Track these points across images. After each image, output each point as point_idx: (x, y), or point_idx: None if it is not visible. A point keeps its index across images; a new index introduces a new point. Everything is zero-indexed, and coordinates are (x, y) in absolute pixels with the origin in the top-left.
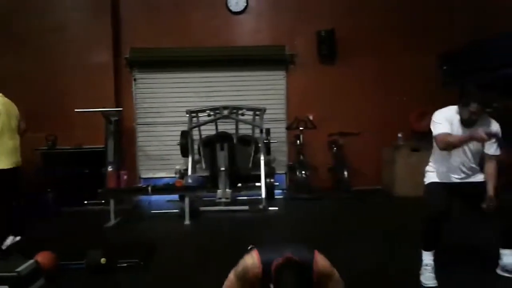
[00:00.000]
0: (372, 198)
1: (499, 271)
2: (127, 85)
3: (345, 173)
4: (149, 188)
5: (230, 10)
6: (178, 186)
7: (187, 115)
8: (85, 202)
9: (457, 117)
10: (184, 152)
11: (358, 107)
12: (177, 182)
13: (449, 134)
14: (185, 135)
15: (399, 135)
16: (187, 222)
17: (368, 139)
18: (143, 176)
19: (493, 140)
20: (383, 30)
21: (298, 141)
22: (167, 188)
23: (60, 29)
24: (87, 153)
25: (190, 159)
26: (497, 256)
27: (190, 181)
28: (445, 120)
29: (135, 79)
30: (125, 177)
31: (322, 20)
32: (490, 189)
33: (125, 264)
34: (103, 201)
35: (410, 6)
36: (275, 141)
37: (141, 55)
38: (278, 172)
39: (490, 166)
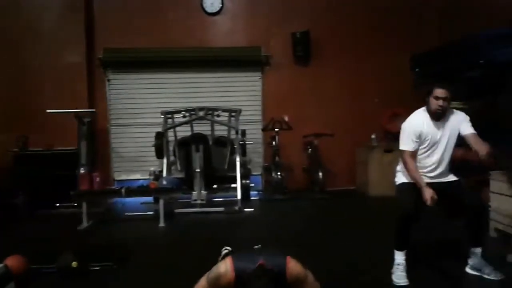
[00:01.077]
0: (346, 199)
1: (468, 270)
2: (100, 86)
3: (320, 173)
4: (123, 190)
5: (205, 11)
6: (152, 188)
7: (162, 116)
8: (57, 204)
9: (427, 118)
10: (159, 154)
11: (332, 108)
12: (151, 184)
13: (412, 160)
14: (160, 137)
15: (373, 136)
16: (161, 224)
17: (343, 140)
18: (117, 178)
19: (464, 124)
20: (357, 32)
21: (273, 142)
22: (141, 190)
23: (32, 28)
24: (60, 154)
25: (165, 160)
26: (467, 255)
27: (164, 182)
28: (413, 133)
29: (108, 80)
30: (98, 179)
31: (297, 22)
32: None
33: (97, 268)
34: (75, 204)
35: (384, 9)
36: (251, 142)
37: (115, 55)
38: (254, 173)
39: (475, 139)
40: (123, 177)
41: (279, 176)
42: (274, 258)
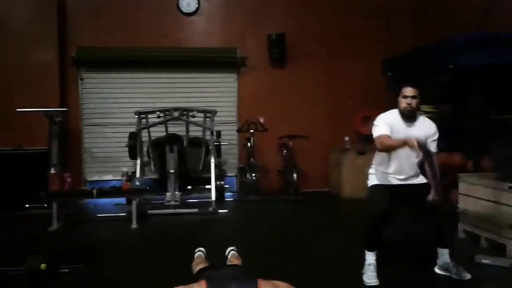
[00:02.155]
0: (319, 200)
1: (437, 270)
2: (73, 85)
3: (294, 175)
4: (95, 191)
5: (181, 11)
6: (125, 189)
7: (136, 117)
8: (27, 206)
9: (398, 117)
10: (132, 154)
11: (307, 110)
12: (124, 185)
13: (387, 137)
14: (134, 137)
15: (346, 138)
16: (134, 225)
17: (317, 142)
18: (89, 178)
19: (430, 135)
20: (332, 36)
21: (248, 144)
22: (113, 191)
23: (2, 24)
24: (30, 154)
25: (138, 161)
26: (435, 255)
27: (137, 183)
28: (385, 123)
29: (81, 79)
30: (69, 179)
31: (273, 24)
32: (434, 184)
33: (67, 270)
34: (46, 205)
35: (357, 13)
36: (226, 143)
37: (88, 54)
38: (228, 174)
39: (431, 163)
40: (96, 178)
41: (253, 178)
42: (246, 284)
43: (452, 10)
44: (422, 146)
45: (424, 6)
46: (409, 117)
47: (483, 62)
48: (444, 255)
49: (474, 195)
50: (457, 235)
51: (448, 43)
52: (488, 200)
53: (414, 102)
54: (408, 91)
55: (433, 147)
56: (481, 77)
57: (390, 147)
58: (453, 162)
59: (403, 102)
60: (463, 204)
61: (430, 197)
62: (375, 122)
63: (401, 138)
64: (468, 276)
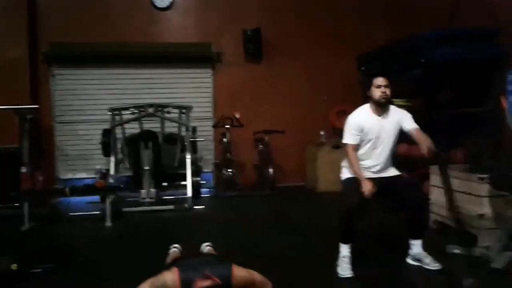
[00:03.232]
0: (296, 195)
1: (409, 260)
2: (44, 82)
3: (270, 170)
4: (67, 190)
5: (155, 6)
6: (98, 187)
7: (110, 113)
8: None
9: (370, 112)
10: (106, 152)
11: (283, 105)
12: (97, 183)
13: (352, 153)
14: (107, 134)
15: (321, 132)
16: (108, 224)
17: (293, 137)
18: (62, 177)
19: (404, 120)
20: (306, 31)
21: (224, 139)
22: (87, 189)
23: None
24: (0, 153)
25: (112, 158)
26: (408, 246)
27: (111, 181)
28: (355, 127)
29: (53, 75)
30: (41, 178)
31: (248, 19)
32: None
33: (39, 270)
34: (17, 204)
35: (333, 8)
36: (202, 139)
37: (60, 50)
38: (205, 170)
39: (418, 134)
40: (69, 176)
41: (230, 173)
42: (219, 268)
43: (425, 5)
44: (371, 195)
45: (398, 2)
46: (384, 107)
47: (454, 57)
48: (416, 246)
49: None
50: (429, 226)
51: (419, 38)
52: (459, 191)
53: (387, 91)
54: (380, 80)
55: (411, 125)
56: (452, 72)
57: (351, 168)
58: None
59: (378, 92)
60: (434, 195)
61: (425, 149)
62: (347, 121)
63: (362, 182)
64: (439, 266)
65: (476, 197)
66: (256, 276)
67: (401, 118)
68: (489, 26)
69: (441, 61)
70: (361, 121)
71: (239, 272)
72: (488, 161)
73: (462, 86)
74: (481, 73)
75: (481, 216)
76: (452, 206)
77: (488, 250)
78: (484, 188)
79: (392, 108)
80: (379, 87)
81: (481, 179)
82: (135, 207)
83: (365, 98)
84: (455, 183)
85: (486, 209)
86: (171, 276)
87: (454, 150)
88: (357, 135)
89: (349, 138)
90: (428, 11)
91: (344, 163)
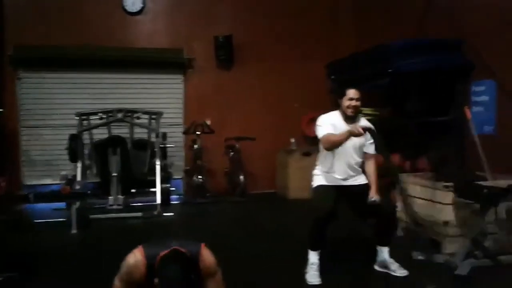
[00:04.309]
0: (266, 202)
1: (376, 267)
2: (10, 85)
3: (241, 177)
4: (31, 196)
5: (126, 10)
6: (64, 193)
7: (77, 118)
8: None
9: (339, 118)
10: (73, 157)
11: (254, 112)
12: (63, 189)
13: (332, 134)
14: (74, 139)
15: (292, 140)
16: (74, 231)
17: (264, 144)
18: (27, 182)
19: (369, 136)
20: (278, 39)
21: (195, 146)
22: (52, 196)
23: None
24: None
25: (79, 164)
26: (375, 253)
27: (78, 187)
28: (328, 123)
29: (19, 78)
30: (4, 184)
31: (220, 26)
32: (373, 185)
33: (1, 279)
34: None
35: (304, 17)
36: (172, 145)
37: (27, 52)
38: (175, 177)
39: (369, 164)
40: (34, 181)
41: (200, 180)
42: (188, 244)
43: (393, 15)
44: (367, 129)
45: (367, 12)
46: (351, 118)
47: (420, 67)
48: (383, 253)
49: (411, 194)
50: (396, 233)
51: (387, 47)
52: (425, 199)
53: (357, 104)
54: (353, 93)
55: (371, 149)
56: (418, 81)
57: (337, 143)
58: (392, 163)
59: (347, 104)
60: (401, 203)
61: (370, 197)
62: (318, 123)
63: (345, 130)
64: (405, 272)
65: (440, 205)
66: (220, 272)
67: (366, 136)
68: (454, 38)
69: (407, 71)
70: (332, 120)
71: (208, 254)
72: (452, 169)
73: (428, 95)
74: (446, 83)
75: (446, 223)
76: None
77: (453, 257)
78: (449, 196)
79: (363, 120)
80: (351, 99)
81: (446, 187)
82: (103, 214)
83: (336, 105)
84: (420, 191)
85: (450, 216)
86: (133, 256)
87: (420, 158)
88: (331, 129)
89: (324, 130)
90: (396, 21)
91: (315, 171)
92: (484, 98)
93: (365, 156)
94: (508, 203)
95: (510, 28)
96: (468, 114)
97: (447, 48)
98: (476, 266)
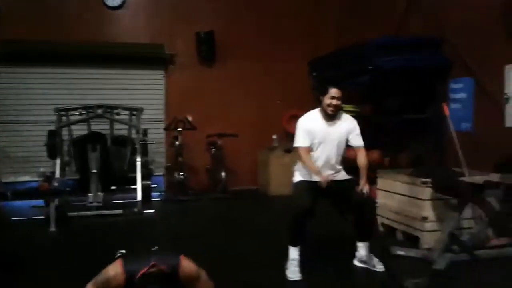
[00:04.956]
0: (248, 198)
1: (356, 262)
2: None
3: (223, 174)
4: (9, 193)
5: (106, 5)
6: (42, 190)
7: (56, 114)
8: None
9: (319, 117)
10: (51, 154)
11: (236, 109)
12: (41, 186)
13: (307, 153)
14: (53, 135)
15: (274, 137)
16: (52, 229)
17: (246, 140)
18: (5, 180)
19: (352, 130)
20: (260, 35)
21: (176, 142)
22: (30, 193)
23: None
24: None
25: (58, 161)
26: (355, 249)
27: (56, 184)
28: (306, 131)
29: None
30: None
31: (202, 22)
32: (363, 176)
33: None
34: None
35: (286, 14)
36: (153, 142)
37: (5, 47)
38: (156, 173)
39: (360, 156)
40: (12, 179)
41: (182, 177)
42: (166, 258)
43: (375, 13)
44: (327, 184)
45: (349, 9)
46: (331, 116)
47: (399, 64)
48: (362, 248)
49: (391, 190)
50: (376, 228)
51: (367, 45)
52: (404, 195)
53: (338, 103)
54: (335, 92)
55: (357, 141)
56: (397, 79)
57: (306, 166)
58: (372, 159)
59: (329, 102)
60: (381, 198)
61: (360, 188)
62: (297, 125)
63: (317, 174)
64: (384, 267)
65: (419, 201)
66: (202, 274)
67: (350, 130)
68: (434, 36)
69: (387, 68)
70: (310, 124)
71: (187, 264)
72: (430, 166)
73: (408, 93)
74: (425, 81)
75: (424, 218)
76: None
77: (430, 252)
78: (427, 192)
79: (344, 116)
80: (333, 98)
81: (424, 183)
82: (82, 211)
83: (318, 102)
84: (400, 187)
85: (428, 212)
86: (114, 269)
87: (399, 154)
88: (308, 138)
89: (301, 141)
90: (377, 19)
91: (296, 167)
92: (462, 95)
93: (355, 149)
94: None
95: (487, 26)
96: (446, 111)
97: (426, 46)
98: (453, 260)
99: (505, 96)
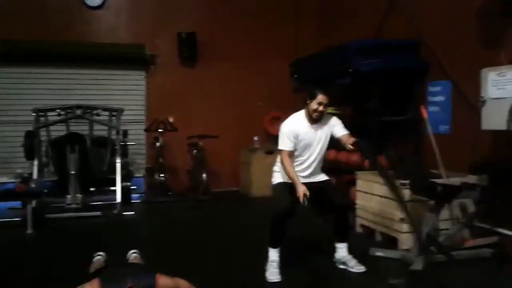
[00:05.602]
0: (229, 200)
1: (335, 263)
2: None
3: (204, 175)
4: None
5: (86, 4)
6: (19, 192)
7: (34, 114)
8: None
9: (304, 120)
10: (29, 155)
11: (218, 110)
12: (18, 187)
13: (290, 159)
14: (31, 136)
15: (255, 138)
16: (29, 231)
17: (227, 142)
18: None
19: (335, 126)
20: (242, 36)
21: (157, 143)
22: (6, 194)
23: None
24: None
25: (35, 162)
26: (334, 250)
27: (33, 185)
28: (291, 134)
29: None
30: None
31: (183, 22)
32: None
33: None
34: None
35: (268, 15)
36: (133, 143)
37: None
38: (136, 175)
39: (349, 138)
40: None
41: (162, 178)
42: (142, 278)
43: (355, 15)
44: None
45: (329, 12)
46: (316, 121)
47: (378, 67)
48: (342, 249)
49: (370, 191)
50: (355, 230)
51: (347, 47)
52: (382, 197)
53: (324, 109)
54: (323, 98)
55: (342, 131)
56: (377, 81)
57: (287, 172)
58: (351, 160)
59: (315, 107)
60: (360, 200)
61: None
62: (281, 128)
63: (297, 186)
64: (362, 268)
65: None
66: (182, 283)
67: (332, 124)
68: (412, 39)
69: (367, 71)
70: (295, 128)
71: (164, 281)
72: (409, 167)
73: (387, 95)
74: (404, 83)
75: (402, 220)
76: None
77: (408, 253)
78: (405, 193)
79: (325, 116)
80: (320, 104)
81: (402, 184)
82: (60, 213)
83: (298, 105)
84: (379, 188)
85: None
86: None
87: (379, 156)
88: (293, 141)
89: (284, 144)
90: (357, 21)
91: (276, 168)
92: (440, 98)
93: (343, 139)
94: (461, 200)
95: (464, 30)
96: (425, 113)
97: (405, 49)
98: (430, 261)
99: (481, 99)
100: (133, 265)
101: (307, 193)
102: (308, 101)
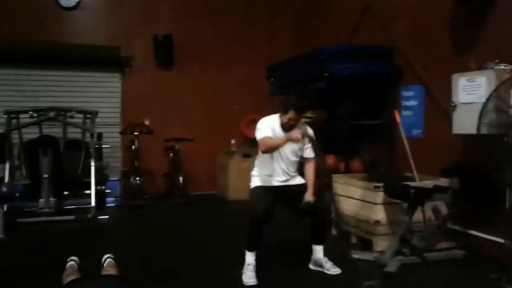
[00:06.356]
0: (206, 203)
1: (311, 266)
2: None
3: (181, 178)
4: None
5: (60, 5)
6: None
7: (5, 116)
8: None
9: (278, 123)
10: (0, 158)
11: (194, 113)
12: None
13: (270, 138)
14: (2, 139)
15: (232, 141)
16: (1, 236)
17: (204, 145)
18: None
19: (307, 140)
20: (218, 39)
21: (133, 146)
22: None
23: None
24: None
25: (7, 165)
26: (311, 253)
27: (5, 189)
28: (268, 127)
29: None
30: None
31: (159, 24)
32: (310, 187)
33: None
34: None
35: (243, 19)
36: (108, 146)
37: None
38: (111, 178)
39: (309, 168)
40: None
41: (138, 181)
42: None
43: (330, 19)
44: (305, 136)
45: (305, 15)
46: (286, 130)
47: (352, 71)
48: (318, 251)
49: (345, 194)
50: (331, 232)
51: (322, 52)
52: (357, 199)
53: (295, 123)
54: (293, 115)
55: (309, 154)
56: (351, 85)
57: (273, 147)
58: (328, 164)
59: (286, 121)
60: (336, 203)
61: (305, 199)
62: (258, 126)
63: (286, 138)
64: (338, 270)
65: (372, 205)
66: None
67: (305, 139)
68: (386, 44)
69: (341, 75)
70: (272, 124)
71: None
72: (383, 171)
73: (361, 99)
74: (378, 88)
75: (377, 222)
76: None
77: (382, 255)
78: (379, 196)
79: (301, 124)
80: (290, 120)
81: (376, 187)
82: (33, 217)
83: (275, 109)
84: (353, 191)
85: (381, 215)
86: None
87: (353, 160)
88: (270, 132)
89: (263, 133)
90: (332, 25)
91: (253, 172)
92: (413, 102)
93: (304, 160)
94: (433, 202)
95: (435, 35)
96: (398, 118)
97: (379, 54)
98: (404, 263)
99: (452, 104)
100: (108, 278)
101: (299, 134)
102: (281, 113)
